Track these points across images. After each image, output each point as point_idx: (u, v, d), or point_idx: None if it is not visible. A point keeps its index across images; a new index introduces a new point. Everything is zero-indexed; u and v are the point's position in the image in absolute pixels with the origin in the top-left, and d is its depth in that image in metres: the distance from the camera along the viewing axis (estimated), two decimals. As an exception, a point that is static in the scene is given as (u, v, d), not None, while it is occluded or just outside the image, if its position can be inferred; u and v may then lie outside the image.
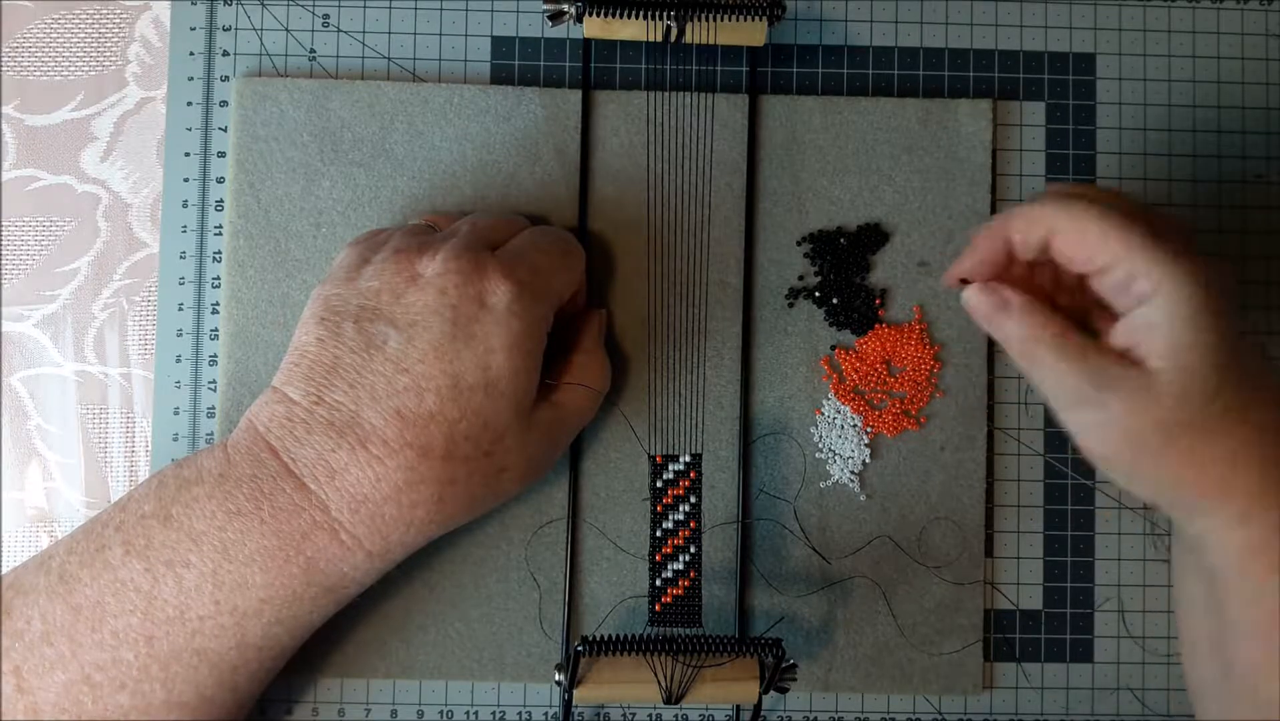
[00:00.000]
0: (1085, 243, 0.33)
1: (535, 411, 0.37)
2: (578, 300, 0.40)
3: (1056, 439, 0.43)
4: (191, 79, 0.43)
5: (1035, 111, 0.44)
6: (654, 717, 0.42)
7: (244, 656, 0.35)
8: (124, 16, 0.44)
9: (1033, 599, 0.43)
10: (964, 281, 0.36)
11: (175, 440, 0.42)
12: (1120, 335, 0.34)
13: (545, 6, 0.40)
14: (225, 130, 0.43)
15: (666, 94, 0.42)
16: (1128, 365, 0.33)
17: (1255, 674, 0.35)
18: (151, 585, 0.34)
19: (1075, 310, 0.36)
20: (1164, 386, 0.33)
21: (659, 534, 0.42)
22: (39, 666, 0.34)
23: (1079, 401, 0.35)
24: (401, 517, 0.35)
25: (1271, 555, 0.34)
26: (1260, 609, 0.35)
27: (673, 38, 0.40)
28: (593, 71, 0.43)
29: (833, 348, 0.42)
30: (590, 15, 0.39)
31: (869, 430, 0.42)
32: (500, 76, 0.43)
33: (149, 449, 0.42)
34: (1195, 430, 0.33)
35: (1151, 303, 0.33)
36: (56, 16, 0.44)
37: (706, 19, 0.39)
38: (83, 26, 0.44)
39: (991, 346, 0.43)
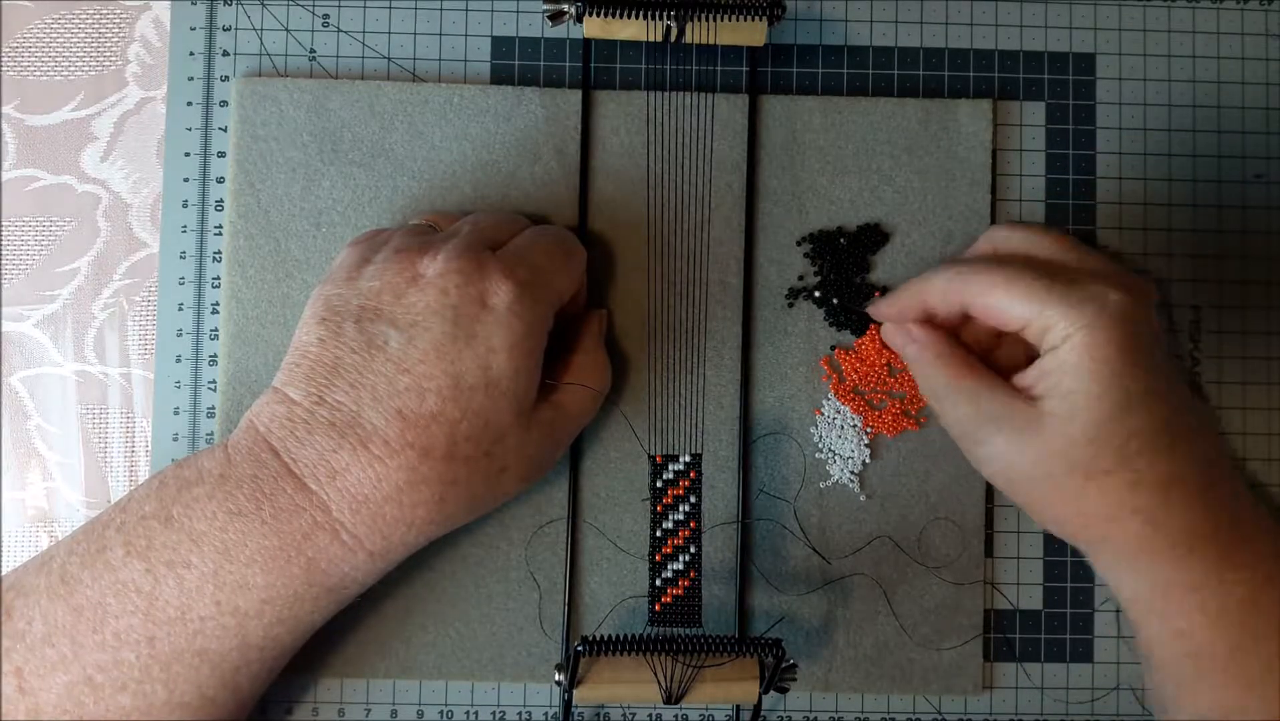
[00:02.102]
0: (994, 313, 0.36)
1: (536, 411, 0.37)
2: (578, 300, 0.40)
3: (1056, 439, 0.43)
4: (191, 79, 0.43)
5: (1035, 111, 0.44)
6: (654, 717, 0.42)
7: (246, 657, 0.35)
8: (124, 16, 0.44)
9: (1033, 599, 0.43)
10: None
11: (175, 440, 0.42)
12: (1028, 377, 0.36)
13: (545, 6, 0.40)
14: (225, 130, 0.43)
15: (666, 94, 0.42)
16: (1017, 403, 0.35)
17: (1167, 706, 0.37)
18: (153, 586, 0.34)
19: (1015, 355, 0.38)
20: (1051, 429, 0.35)
21: (659, 534, 0.42)
22: (40, 667, 0.34)
23: (970, 435, 0.37)
24: (403, 518, 0.35)
25: (1159, 605, 0.36)
26: (1162, 651, 0.36)
27: (673, 38, 0.40)
28: (593, 71, 0.43)
29: (832, 348, 0.42)
30: (590, 15, 0.39)
31: (869, 430, 0.42)
32: (500, 76, 0.43)
33: (149, 449, 0.42)
34: (1078, 476, 0.35)
35: (1058, 350, 0.35)
36: (56, 16, 0.44)
37: (706, 19, 0.39)
38: (83, 26, 0.44)
39: (991, 346, 0.43)
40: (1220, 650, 0.35)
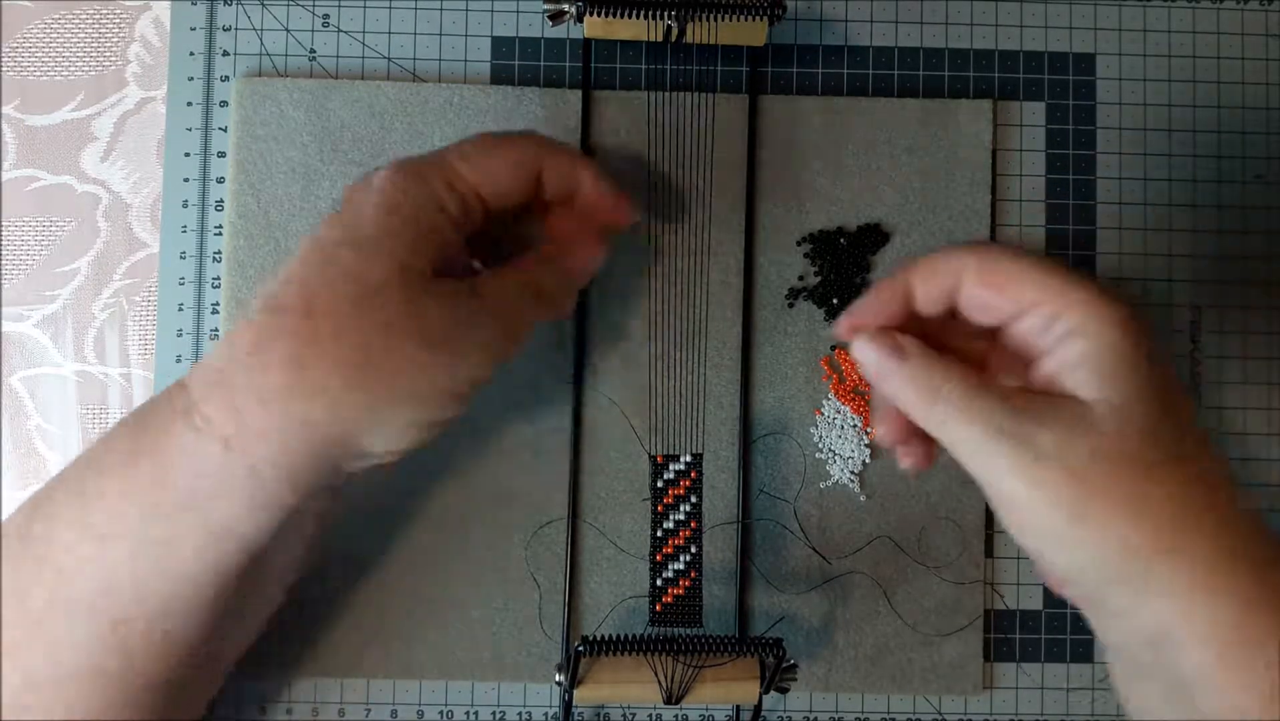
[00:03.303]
0: (1001, 283, 0.31)
1: (437, 278, 0.32)
2: (544, 191, 0.36)
3: (1056, 439, 0.43)
4: (191, 79, 0.43)
5: (1035, 111, 0.44)
6: (654, 717, 0.42)
7: (118, 605, 0.31)
8: (124, 16, 0.44)
9: (1033, 599, 0.43)
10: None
11: (175, 440, 0.42)
12: (1044, 373, 0.31)
13: (545, 6, 0.40)
14: (225, 130, 0.43)
15: (666, 94, 0.42)
16: (1056, 399, 0.30)
17: None
18: (29, 522, 0.32)
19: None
20: (1100, 416, 0.30)
21: (659, 534, 0.42)
22: None
23: (998, 440, 0.30)
24: (253, 386, 0.30)
25: (1251, 633, 0.29)
26: (1252, 697, 0.29)
27: (673, 38, 0.40)
28: (593, 71, 0.43)
29: (833, 348, 0.42)
30: (590, 15, 0.39)
31: (869, 430, 0.42)
32: (500, 76, 0.43)
33: (149, 449, 0.42)
34: (1139, 468, 0.30)
35: (1081, 337, 0.30)
36: (56, 16, 0.44)
37: (707, 19, 0.39)
38: (83, 26, 0.44)
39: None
40: None
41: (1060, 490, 0.30)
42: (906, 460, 0.35)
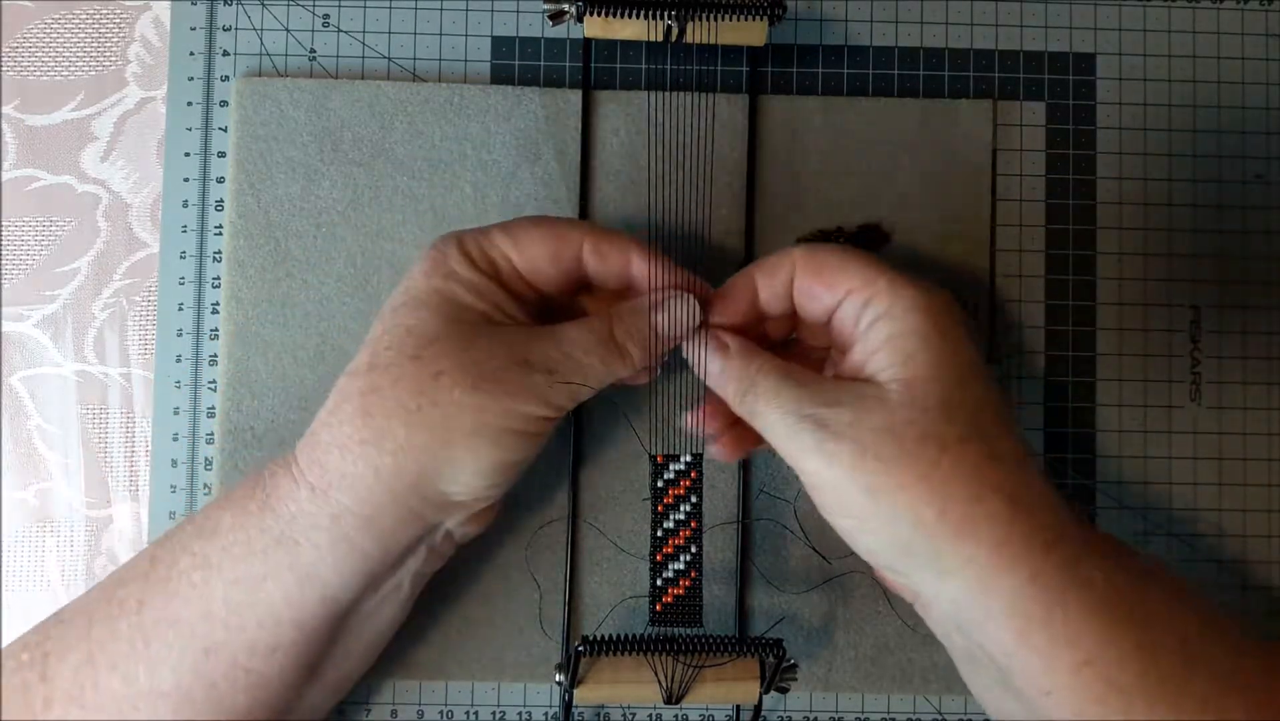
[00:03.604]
0: (821, 270, 0.34)
1: (493, 325, 0.35)
2: (577, 272, 0.37)
3: (1056, 439, 0.43)
4: (191, 79, 0.43)
5: (1035, 111, 0.44)
6: (654, 717, 0.42)
7: (211, 634, 0.33)
8: (124, 16, 0.44)
9: (1033, 599, 0.43)
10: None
11: (175, 440, 0.42)
12: (853, 360, 0.34)
13: (545, 6, 0.40)
14: (225, 130, 0.43)
15: (666, 94, 0.42)
16: (856, 382, 0.33)
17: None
18: (160, 546, 0.35)
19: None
20: (892, 394, 0.32)
21: (659, 534, 0.42)
22: (60, 648, 0.34)
23: (800, 423, 0.33)
24: (333, 439, 0.33)
25: (1043, 609, 0.30)
26: (1058, 674, 0.31)
27: (673, 38, 0.40)
28: (593, 71, 0.43)
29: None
30: (591, 15, 0.39)
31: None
32: (500, 76, 0.43)
33: (149, 449, 0.42)
34: (930, 445, 0.31)
35: (885, 320, 0.33)
36: (56, 16, 0.44)
37: (707, 19, 0.39)
38: (83, 26, 0.44)
39: (992, 347, 0.43)
40: (1110, 653, 0.30)
41: (853, 466, 0.31)
42: (716, 450, 0.38)
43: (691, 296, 0.36)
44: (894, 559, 0.33)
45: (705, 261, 0.42)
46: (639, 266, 0.36)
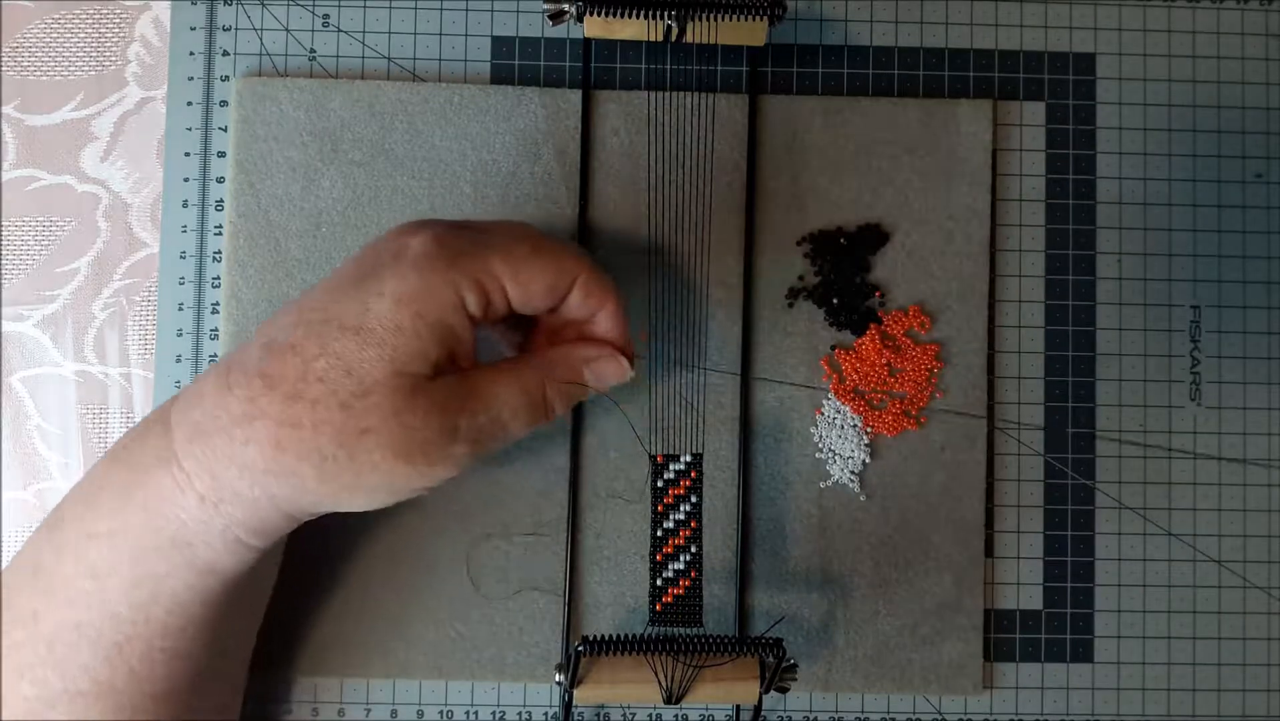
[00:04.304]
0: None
1: (431, 382, 0.32)
2: (563, 311, 0.36)
3: (1056, 439, 0.43)
4: (191, 79, 0.43)
5: (1035, 111, 0.44)
6: (654, 717, 0.42)
7: (119, 630, 0.32)
8: (124, 16, 0.44)
9: (1033, 599, 0.43)
10: None
11: (175, 440, 0.42)
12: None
13: (545, 6, 0.40)
14: (225, 130, 0.43)
15: (666, 94, 0.42)
16: None
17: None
18: (40, 552, 0.33)
19: None
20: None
21: (659, 534, 0.42)
22: None
23: None
24: (232, 455, 0.31)
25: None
26: None
27: (673, 37, 0.40)
28: (593, 71, 0.43)
29: (833, 348, 0.42)
30: (591, 15, 0.39)
31: (869, 430, 0.42)
32: (500, 76, 0.43)
33: (149, 449, 0.42)
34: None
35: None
36: (56, 16, 0.44)
37: (707, 19, 0.39)
38: (83, 26, 0.44)
39: (991, 347, 0.43)
40: None
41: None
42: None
43: (624, 359, 0.36)
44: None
45: (705, 261, 0.42)
46: (607, 317, 0.36)
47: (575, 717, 0.42)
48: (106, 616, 0.32)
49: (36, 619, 0.32)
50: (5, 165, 0.43)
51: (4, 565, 0.42)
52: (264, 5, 0.43)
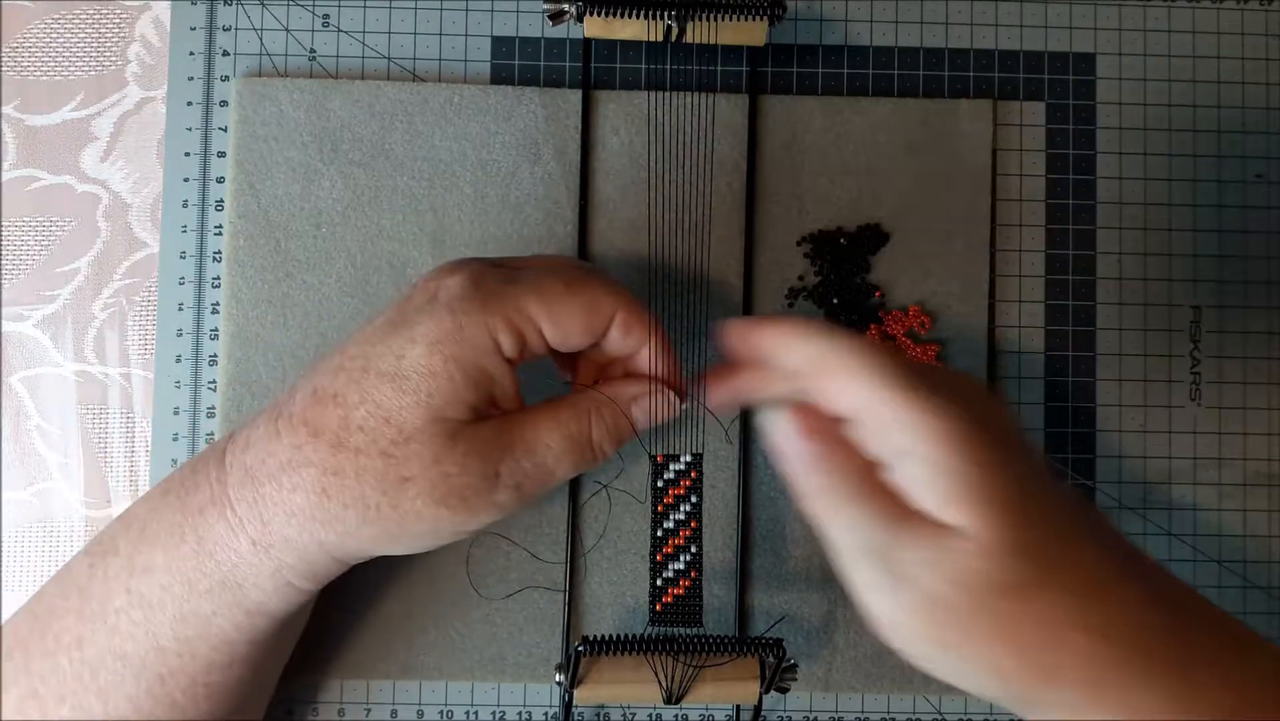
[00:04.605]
0: (833, 388, 0.30)
1: (472, 428, 0.32)
2: (600, 348, 0.35)
3: (1056, 439, 0.43)
4: (191, 79, 0.43)
5: (1035, 111, 0.44)
6: (654, 717, 0.42)
7: (165, 663, 0.33)
8: (124, 16, 0.44)
9: (1033, 599, 0.43)
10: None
11: (175, 440, 0.42)
12: (896, 483, 0.30)
13: (545, 6, 0.40)
14: (225, 130, 0.43)
15: (667, 94, 0.42)
16: (915, 520, 0.29)
17: None
18: (87, 579, 0.33)
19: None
20: (955, 543, 0.28)
21: (660, 534, 0.42)
22: (3, 683, 0.33)
23: (868, 555, 0.30)
24: (281, 501, 0.32)
25: None
26: None
27: (673, 38, 0.40)
28: (593, 71, 0.43)
29: (833, 347, 0.42)
30: (591, 15, 0.39)
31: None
32: (500, 76, 0.43)
33: (149, 449, 0.42)
34: (999, 595, 0.28)
35: (910, 458, 0.29)
36: (56, 16, 0.44)
37: (707, 19, 0.39)
38: (83, 26, 0.44)
39: (991, 347, 0.43)
40: None
41: (921, 614, 0.29)
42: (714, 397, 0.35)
43: (671, 392, 0.36)
44: (978, 691, 0.31)
45: (706, 261, 0.42)
46: (651, 352, 0.35)
47: (575, 717, 0.42)
48: (153, 649, 0.33)
49: (80, 644, 0.33)
50: (5, 165, 0.43)
51: (4, 567, 0.42)
52: (264, 5, 0.43)
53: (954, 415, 0.29)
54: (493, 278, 0.33)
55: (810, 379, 0.31)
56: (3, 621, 0.35)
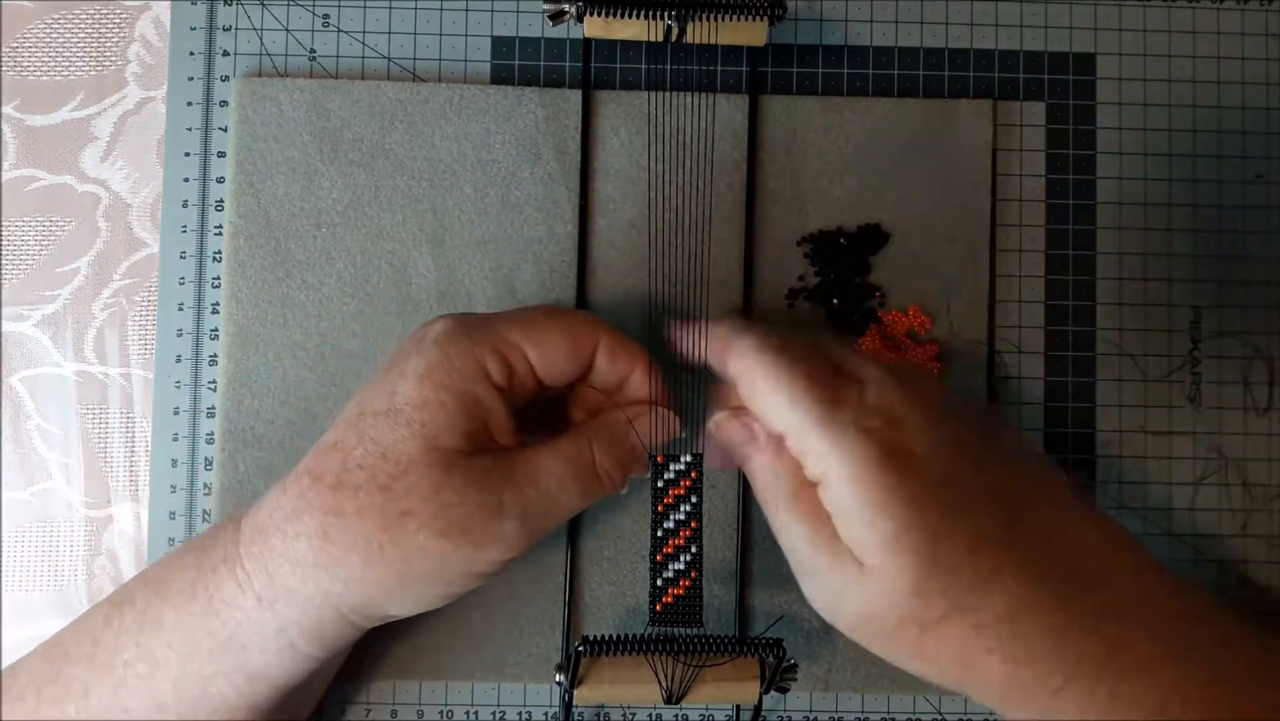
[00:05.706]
0: (762, 415, 0.33)
1: (469, 458, 0.32)
2: (591, 380, 0.36)
3: (1056, 439, 0.43)
4: (191, 79, 0.43)
5: (1035, 111, 0.44)
6: (654, 717, 0.42)
7: (165, 717, 0.33)
8: (124, 16, 0.44)
9: (1033, 599, 0.43)
10: None
11: (175, 440, 0.42)
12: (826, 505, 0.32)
13: (545, 6, 0.40)
14: (225, 130, 0.43)
15: (667, 94, 0.42)
16: (839, 547, 0.31)
17: None
18: (102, 628, 0.33)
19: None
20: (864, 578, 0.30)
21: (660, 534, 0.42)
22: None
23: (807, 570, 0.33)
24: (285, 551, 0.32)
25: None
26: None
27: (673, 38, 0.40)
28: (593, 71, 0.43)
29: (833, 348, 0.42)
30: (591, 15, 0.39)
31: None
32: (500, 76, 0.43)
33: (149, 449, 0.42)
34: (914, 628, 0.30)
35: (824, 488, 0.31)
36: (56, 16, 0.44)
37: (707, 19, 0.39)
38: (83, 26, 0.44)
39: (991, 347, 0.43)
40: None
41: (850, 632, 0.32)
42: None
43: (671, 413, 0.37)
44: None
45: (705, 261, 0.42)
46: (640, 379, 0.36)
47: (575, 718, 0.42)
48: (154, 706, 0.33)
49: (87, 694, 0.33)
50: (5, 165, 0.43)
51: (4, 567, 0.42)
52: (264, 5, 0.43)
53: (864, 448, 0.30)
54: (476, 317, 0.34)
55: (742, 397, 0.33)
56: (8, 644, 0.36)
